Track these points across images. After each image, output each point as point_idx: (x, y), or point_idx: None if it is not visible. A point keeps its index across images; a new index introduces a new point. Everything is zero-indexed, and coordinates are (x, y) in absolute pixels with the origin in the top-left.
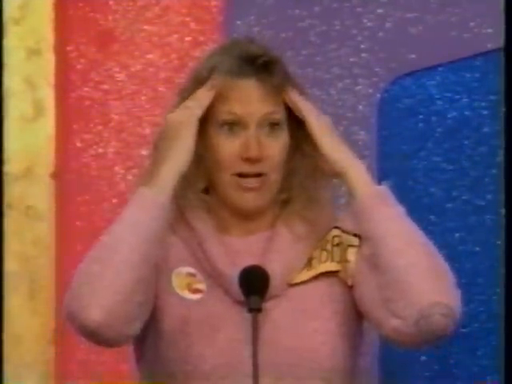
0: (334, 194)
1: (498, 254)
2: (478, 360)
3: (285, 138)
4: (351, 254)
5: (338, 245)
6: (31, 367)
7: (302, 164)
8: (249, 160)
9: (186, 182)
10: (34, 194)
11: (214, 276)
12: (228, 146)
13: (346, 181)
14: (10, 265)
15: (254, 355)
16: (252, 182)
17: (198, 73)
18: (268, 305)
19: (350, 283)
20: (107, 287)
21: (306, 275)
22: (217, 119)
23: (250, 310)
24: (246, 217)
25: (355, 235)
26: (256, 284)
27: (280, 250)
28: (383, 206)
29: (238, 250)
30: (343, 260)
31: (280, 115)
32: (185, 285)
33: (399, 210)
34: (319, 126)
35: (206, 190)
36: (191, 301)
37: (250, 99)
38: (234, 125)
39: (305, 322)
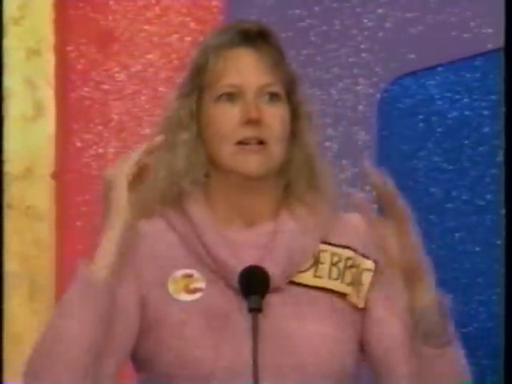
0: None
1: (498, 253)
2: (478, 360)
3: (284, 110)
4: (366, 278)
5: (350, 267)
6: None
7: (299, 153)
8: (249, 122)
9: (185, 170)
10: (34, 194)
11: (214, 269)
12: (227, 113)
13: (412, 286)
14: (10, 265)
15: (254, 356)
16: (254, 148)
17: (193, 59)
18: (271, 300)
19: (361, 306)
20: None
21: (312, 280)
22: (216, 94)
23: (250, 310)
24: (249, 202)
25: (371, 260)
26: (256, 284)
27: (284, 242)
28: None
29: (240, 244)
30: (356, 282)
31: (278, 89)
32: (181, 287)
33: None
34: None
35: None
36: (189, 302)
37: (248, 69)
38: (233, 95)
39: (308, 325)
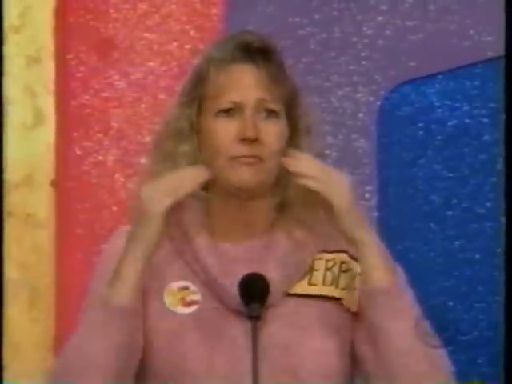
0: None
1: (498, 261)
2: (479, 368)
3: (282, 127)
4: (359, 282)
5: (345, 271)
6: (31, 375)
7: None
8: (245, 141)
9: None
10: (34, 201)
11: (209, 286)
12: (225, 129)
13: (360, 262)
14: (9, 272)
15: (254, 361)
16: (249, 161)
17: (196, 68)
18: (266, 316)
19: (354, 310)
20: None
21: (306, 289)
22: (215, 108)
23: (250, 318)
24: (245, 216)
25: None
26: (256, 291)
27: (278, 257)
28: (389, 303)
29: (234, 258)
30: (350, 287)
31: (277, 105)
32: (178, 300)
33: (405, 306)
34: (337, 197)
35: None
36: (185, 315)
37: (246, 84)
38: (232, 110)
39: (303, 341)
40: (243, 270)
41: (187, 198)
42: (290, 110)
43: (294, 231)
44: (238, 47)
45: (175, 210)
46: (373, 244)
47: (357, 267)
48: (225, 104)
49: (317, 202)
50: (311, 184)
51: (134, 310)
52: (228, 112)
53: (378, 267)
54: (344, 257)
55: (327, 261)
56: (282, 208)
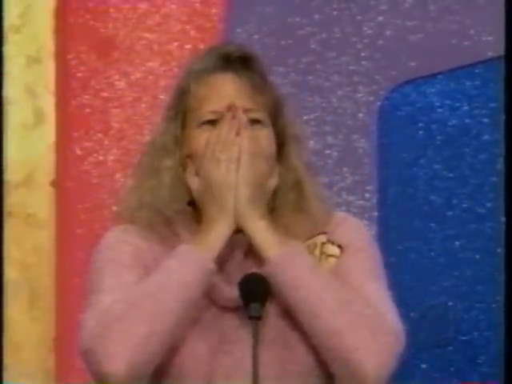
0: (326, 199)
1: (498, 261)
2: (479, 368)
3: (269, 134)
4: (329, 265)
5: (323, 253)
6: (31, 375)
7: (287, 177)
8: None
9: (169, 199)
10: (35, 201)
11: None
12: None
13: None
14: (9, 272)
15: (255, 361)
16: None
17: (178, 82)
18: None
19: None
20: (139, 345)
21: None
22: (199, 120)
23: (250, 318)
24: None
25: (339, 246)
26: (256, 291)
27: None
28: (286, 272)
29: (220, 256)
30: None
31: (260, 114)
32: None
33: (302, 273)
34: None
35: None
36: None
37: (229, 94)
38: (215, 121)
39: (289, 331)
40: (230, 268)
41: (178, 214)
42: (276, 118)
43: (279, 235)
44: (218, 57)
45: (168, 222)
46: (256, 225)
47: (330, 250)
48: (206, 114)
49: (306, 206)
50: None
51: (213, 271)
52: (211, 123)
53: (267, 243)
54: (323, 238)
55: (308, 246)
56: (270, 212)
